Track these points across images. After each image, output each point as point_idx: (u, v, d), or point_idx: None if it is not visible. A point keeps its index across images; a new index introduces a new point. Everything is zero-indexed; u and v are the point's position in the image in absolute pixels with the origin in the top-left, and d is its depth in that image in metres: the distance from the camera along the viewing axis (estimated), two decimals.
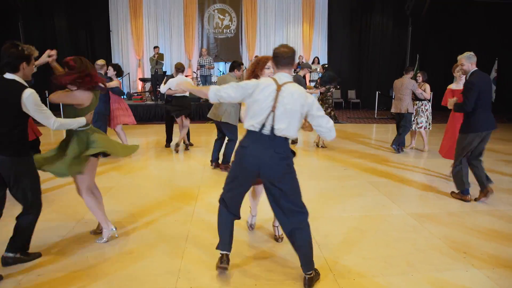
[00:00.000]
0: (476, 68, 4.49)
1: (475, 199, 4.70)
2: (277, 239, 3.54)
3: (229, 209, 2.88)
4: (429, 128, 7.50)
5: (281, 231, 3.51)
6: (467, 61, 4.48)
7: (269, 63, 3.33)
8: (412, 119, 7.36)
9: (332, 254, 3.28)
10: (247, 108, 2.74)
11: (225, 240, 2.93)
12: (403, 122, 7.27)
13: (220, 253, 2.95)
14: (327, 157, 7.07)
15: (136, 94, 13.39)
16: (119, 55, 14.63)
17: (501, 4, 13.47)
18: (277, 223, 3.52)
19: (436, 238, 3.64)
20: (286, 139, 2.68)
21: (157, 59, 12.14)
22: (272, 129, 2.61)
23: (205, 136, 8.93)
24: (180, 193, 4.88)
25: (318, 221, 3.96)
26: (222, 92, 2.74)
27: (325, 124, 2.71)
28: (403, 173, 5.96)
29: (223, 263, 2.91)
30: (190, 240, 3.54)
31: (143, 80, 14.04)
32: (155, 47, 12.49)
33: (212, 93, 2.76)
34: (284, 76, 2.69)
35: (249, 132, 2.70)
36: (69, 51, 12.98)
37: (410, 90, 7.10)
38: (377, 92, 13.33)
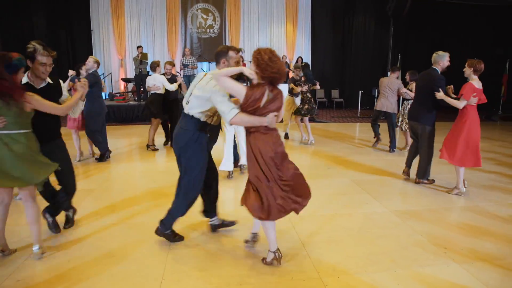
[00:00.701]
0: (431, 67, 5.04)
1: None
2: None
3: None
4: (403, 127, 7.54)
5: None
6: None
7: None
8: (396, 119, 7.44)
9: (316, 253, 3.31)
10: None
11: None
12: (388, 123, 7.38)
13: None
14: (310, 156, 7.11)
15: (118, 95, 13.22)
16: (101, 54, 14.39)
17: (478, 6, 13.79)
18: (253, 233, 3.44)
19: (418, 234, 3.71)
20: (193, 117, 3.13)
21: (141, 59, 12.00)
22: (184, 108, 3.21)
23: None
24: (164, 194, 4.84)
25: (302, 220, 3.98)
26: None
27: (219, 107, 2.95)
28: (386, 171, 6.03)
29: None
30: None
31: (126, 80, 13.88)
32: (138, 47, 12.35)
33: None
34: (213, 69, 3.21)
35: None
36: None
37: (396, 89, 7.17)
38: (360, 92, 13.47)
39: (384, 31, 14.68)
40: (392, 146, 7.46)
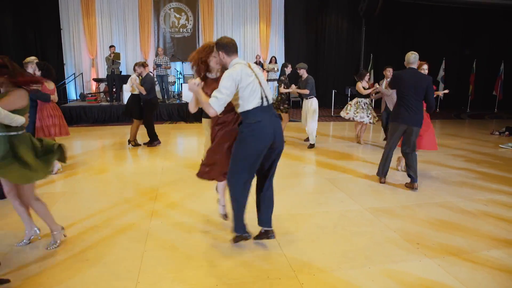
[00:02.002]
0: (408, 68, 4.97)
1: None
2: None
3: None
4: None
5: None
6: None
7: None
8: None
9: (292, 251, 3.32)
10: (240, 95, 2.99)
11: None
12: None
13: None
14: (285, 155, 7.13)
15: (90, 95, 12.92)
16: (71, 55, 14.03)
17: (448, 7, 14.20)
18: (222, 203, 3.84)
19: (392, 231, 3.78)
20: None
21: (113, 59, 11.74)
22: (267, 99, 3.09)
23: (164, 137, 8.74)
24: (138, 195, 4.77)
25: (277, 219, 3.99)
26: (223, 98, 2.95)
27: None
28: (360, 168, 6.12)
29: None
30: (149, 242, 3.47)
31: (97, 80, 13.56)
32: (111, 46, 12.06)
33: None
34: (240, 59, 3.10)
35: (255, 109, 3.02)
36: (17, 52, 12.27)
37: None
38: (333, 91, 13.64)
39: (357, 31, 14.93)
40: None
